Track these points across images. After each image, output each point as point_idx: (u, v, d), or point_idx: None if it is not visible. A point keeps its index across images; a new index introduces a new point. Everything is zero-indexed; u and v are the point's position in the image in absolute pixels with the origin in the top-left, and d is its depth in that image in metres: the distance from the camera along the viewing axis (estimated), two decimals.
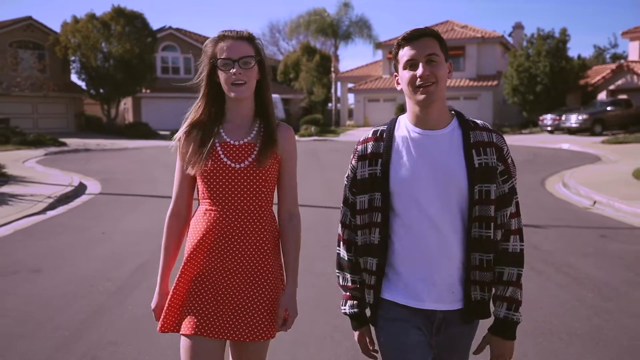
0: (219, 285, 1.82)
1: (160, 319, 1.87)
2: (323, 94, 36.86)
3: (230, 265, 1.82)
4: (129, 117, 35.19)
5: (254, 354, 1.88)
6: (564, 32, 28.44)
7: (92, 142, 24.42)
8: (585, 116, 24.39)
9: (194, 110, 1.87)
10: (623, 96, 27.10)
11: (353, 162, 1.79)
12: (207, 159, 1.81)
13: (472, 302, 1.70)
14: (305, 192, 5.17)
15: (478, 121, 1.76)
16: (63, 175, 12.48)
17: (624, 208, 7.96)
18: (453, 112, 1.76)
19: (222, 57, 1.78)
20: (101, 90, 30.94)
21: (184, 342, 1.82)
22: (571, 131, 24.82)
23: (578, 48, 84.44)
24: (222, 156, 1.82)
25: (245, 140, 1.84)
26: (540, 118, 26.95)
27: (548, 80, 27.42)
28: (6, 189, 10.02)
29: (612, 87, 28.50)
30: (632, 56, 29.94)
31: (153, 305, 1.93)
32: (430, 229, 1.68)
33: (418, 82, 1.65)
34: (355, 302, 1.83)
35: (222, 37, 1.81)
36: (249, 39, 1.82)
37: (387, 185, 1.70)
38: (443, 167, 1.67)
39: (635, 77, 27.30)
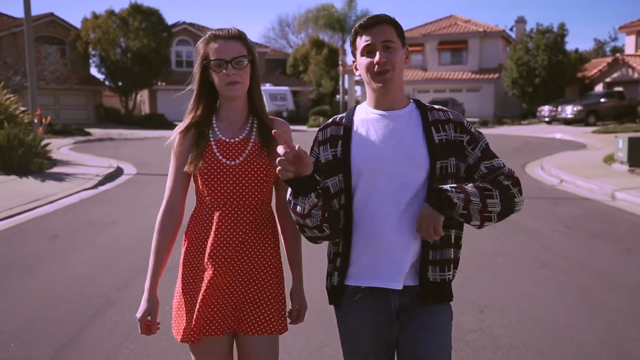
0: (220, 285, 1.78)
1: (184, 329, 1.78)
2: (331, 86, 38.22)
3: (231, 264, 1.79)
4: (145, 109, 36.77)
5: (260, 350, 1.82)
6: (562, 26, 29.61)
7: (113, 132, 25.88)
8: (579, 107, 25.63)
9: (189, 111, 1.86)
10: (619, 88, 28.26)
11: (315, 148, 1.79)
12: (202, 157, 1.80)
13: (430, 282, 1.68)
14: None
15: (436, 105, 1.81)
16: (99, 159, 14.08)
17: (582, 184, 9.46)
18: (411, 99, 1.80)
19: (214, 57, 1.77)
20: (119, 83, 32.51)
21: (193, 349, 1.81)
22: (567, 122, 25.96)
23: (580, 41, 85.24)
24: (217, 154, 1.80)
25: (239, 137, 1.83)
26: (538, 109, 28.14)
27: (546, 73, 28.63)
28: (57, 169, 11.65)
29: (608, 79, 29.61)
30: (629, 50, 31.04)
31: (140, 314, 1.80)
32: (391, 207, 1.67)
33: (376, 68, 1.67)
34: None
35: (213, 37, 1.80)
36: (240, 37, 1.81)
37: (349, 165, 1.70)
38: (403, 145, 1.69)
39: (630, 70, 28.39)
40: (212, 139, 1.82)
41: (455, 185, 1.64)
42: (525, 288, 4.39)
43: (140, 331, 1.80)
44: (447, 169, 1.68)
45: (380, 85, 1.68)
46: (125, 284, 4.49)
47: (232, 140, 1.82)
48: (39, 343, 3.41)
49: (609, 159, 11.98)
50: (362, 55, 1.70)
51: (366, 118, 1.75)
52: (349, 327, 1.75)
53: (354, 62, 1.75)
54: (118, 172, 11.92)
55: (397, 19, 1.72)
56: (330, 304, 1.80)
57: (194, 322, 1.75)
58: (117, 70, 31.90)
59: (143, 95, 37.27)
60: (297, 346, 3.32)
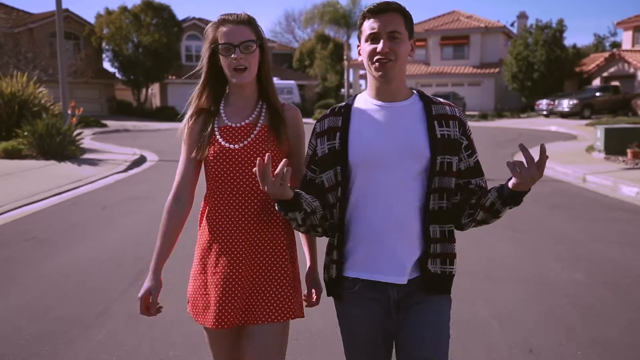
0: (231, 273, 1.77)
1: (215, 316, 1.76)
2: (336, 80, 39.28)
3: (241, 253, 1.77)
4: (156, 102, 37.96)
5: (270, 339, 1.77)
6: (560, 22, 30.49)
7: (128, 124, 26.95)
8: (575, 101, 26.53)
9: (196, 96, 1.84)
10: (615, 83, 29.19)
11: (312, 140, 1.76)
12: (209, 143, 1.79)
13: (431, 274, 1.66)
14: None
15: (439, 98, 1.74)
16: (122, 148, 15.27)
17: (559, 169, 10.61)
18: (414, 90, 1.74)
19: (222, 41, 1.75)
20: (132, 77, 33.73)
21: (209, 334, 1.85)
22: (563, 115, 26.75)
23: (581, 35, 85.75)
24: (219, 139, 1.78)
25: (246, 121, 1.80)
26: (537, 103, 28.95)
27: (544, 67, 29.54)
28: (88, 156, 12.87)
29: (605, 74, 30.44)
30: (626, 45, 31.89)
31: (141, 293, 1.79)
32: (388, 200, 1.64)
33: (377, 57, 1.62)
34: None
35: (222, 22, 1.78)
36: (250, 22, 1.78)
37: (346, 158, 1.67)
38: (403, 138, 1.64)
39: (626, 65, 29.26)
40: (216, 125, 1.81)
41: (492, 190, 1.68)
42: (491, 243, 5.55)
43: (139, 311, 1.80)
44: (448, 166, 1.65)
45: (380, 73, 1.64)
46: None
47: (237, 125, 1.80)
48: (111, 280, 4.60)
49: (590, 148, 13.07)
50: (366, 41, 1.66)
51: (365, 108, 1.71)
52: (347, 318, 1.75)
53: (358, 45, 1.72)
54: (142, 159, 13.12)
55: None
56: (328, 295, 1.80)
57: (209, 309, 1.77)
58: (130, 64, 33.06)
59: (154, 89, 38.42)
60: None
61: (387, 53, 1.62)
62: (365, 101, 1.73)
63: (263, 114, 1.83)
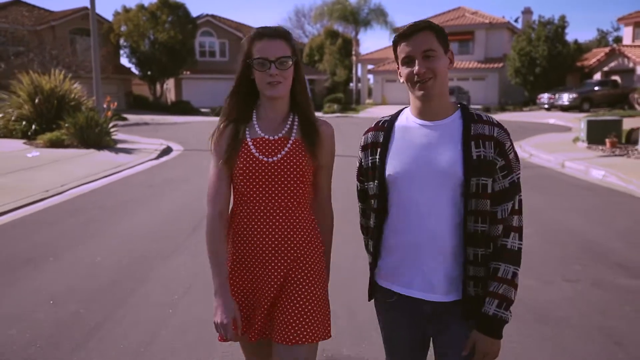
0: (259, 286, 1.78)
1: (241, 328, 1.78)
2: (345, 75, 40.34)
3: (268, 269, 1.77)
4: (171, 96, 39.35)
5: (302, 356, 1.76)
6: (562, 18, 31.40)
7: (146, 117, 28.04)
8: (575, 95, 27.44)
9: (224, 110, 1.84)
10: (615, 77, 30.12)
11: (360, 153, 1.82)
12: (240, 154, 1.77)
13: (469, 297, 1.66)
14: None
15: (483, 115, 1.70)
16: (148, 139, 16.63)
17: (544, 157, 11.89)
18: (459, 104, 1.73)
19: (258, 56, 1.73)
20: (148, 72, 35.17)
21: (242, 345, 1.88)
22: (563, 108, 27.55)
23: (585, 30, 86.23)
24: (253, 150, 1.77)
25: (279, 135, 1.80)
26: (538, 97, 29.79)
27: (546, 62, 30.53)
28: (121, 145, 14.28)
29: (606, 68, 31.24)
30: (626, 40, 32.72)
31: (228, 318, 1.74)
32: (421, 220, 1.66)
33: (415, 78, 1.64)
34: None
35: (258, 35, 1.76)
36: (286, 37, 1.77)
37: (384, 174, 1.71)
38: (438, 158, 1.64)
39: (626, 59, 30.10)
40: (248, 137, 1.80)
41: (492, 294, 1.62)
42: None
43: (226, 337, 1.77)
44: (484, 188, 1.62)
45: (422, 93, 1.65)
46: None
47: (271, 138, 1.80)
48: (175, 231, 5.96)
49: (576, 139, 14.28)
50: (402, 64, 1.68)
51: (406, 126, 1.74)
52: (385, 323, 1.83)
53: (397, 68, 1.73)
54: (168, 148, 14.51)
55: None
56: (369, 300, 1.88)
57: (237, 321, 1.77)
58: (146, 60, 34.41)
59: (169, 84, 39.79)
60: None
61: (424, 73, 1.63)
62: (407, 118, 1.76)
63: (295, 127, 1.83)
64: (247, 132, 1.81)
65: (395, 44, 1.70)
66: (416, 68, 1.63)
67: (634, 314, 3.72)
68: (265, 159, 1.77)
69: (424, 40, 1.63)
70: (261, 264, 1.78)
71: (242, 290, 1.83)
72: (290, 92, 1.82)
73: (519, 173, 1.68)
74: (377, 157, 1.74)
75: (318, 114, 2.22)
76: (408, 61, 1.66)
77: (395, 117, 1.79)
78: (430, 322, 1.73)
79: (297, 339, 1.74)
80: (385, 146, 1.74)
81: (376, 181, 1.74)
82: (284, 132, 1.81)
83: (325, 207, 1.92)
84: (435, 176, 1.65)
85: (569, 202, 7.46)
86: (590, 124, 12.94)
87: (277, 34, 1.77)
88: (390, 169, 1.71)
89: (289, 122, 1.83)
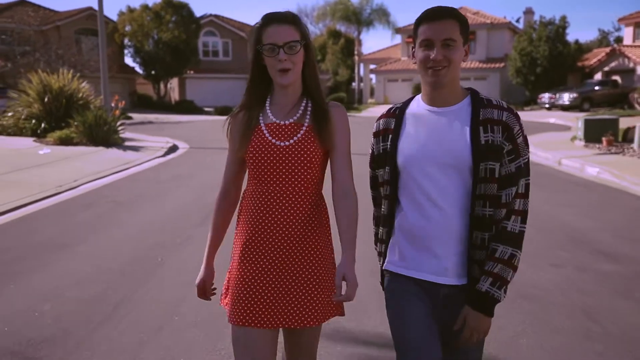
0: (266, 269, 1.81)
1: (231, 310, 1.83)
2: (347, 75, 40.58)
3: (277, 248, 1.80)
4: (175, 96, 39.70)
5: (308, 338, 1.88)
6: (563, 19, 31.60)
7: (150, 116, 28.29)
8: (575, 95, 27.71)
9: (244, 95, 1.90)
10: (616, 77, 30.33)
11: (372, 139, 1.85)
12: (253, 138, 1.81)
13: (475, 280, 1.68)
14: None
15: (494, 99, 1.70)
16: (155, 137, 16.93)
17: (541, 154, 12.17)
18: (469, 90, 1.74)
19: (266, 42, 1.75)
20: (152, 72, 35.51)
21: (235, 333, 1.83)
22: (564, 108, 27.84)
23: (586, 30, 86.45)
24: (267, 135, 1.80)
25: (292, 119, 1.82)
26: (539, 96, 30.06)
27: (547, 62, 30.77)
28: (128, 143, 14.61)
29: (606, 68, 31.41)
30: (627, 40, 32.92)
31: (197, 280, 1.96)
32: (432, 204, 1.68)
33: (430, 64, 1.64)
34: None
35: (266, 22, 1.77)
36: (294, 21, 1.77)
37: (395, 160, 1.73)
38: (447, 144, 1.67)
39: (626, 59, 30.31)
40: (262, 122, 1.83)
41: (487, 272, 1.64)
42: None
43: (197, 294, 1.99)
44: (492, 172, 1.64)
45: (433, 79, 1.66)
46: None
47: (284, 123, 1.82)
48: (185, 222, 6.28)
49: (574, 138, 14.56)
50: (420, 46, 1.67)
51: (417, 112, 1.75)
52: (395, 310, 1.77)
53: (413, 48, 1.72)
54: (174, 146, 14.82)
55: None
56: (381, 284, 1.88)
57: (241, 306, 1.80)
58: (150, 59, 34.75)
59: (173, 83, 40.15)
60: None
61: (440, 61, 1.63)
62: (418, 105, 1.77)
63: (308, 112, 1.84)
64: (260, 118, 1.85)
65: (417, 24, 1.69)
66: (434, 54, 1.63)
67: (611, 294, 4.02)
68: (278, 142, 1.80)
69: (447, 28, 1.63)
70: (276, 246, 1.81)
71: (250, 275, 1.83)
72: (302, 75, 1.84)
73: (527, 157, 1.69)
74: (389, 143, 1.77)
75: None
76: (427, 44, 1.65)
77: (406, 104, 1.82)
78: (446, 307, 1.73)
79: (305, 322, 1.79)
80: (396, 132, 1.76)
81: (387, 167, 1.77)
82: (296, 117, 1.84)
83: (347, 188, 1.83)
84: (445, 162, 1.67)
85: (564, 198, 7.76)
86: (588, 123, 13.22)
87: (285, 19, 1.78)
88: (401, 154, 1.74)
89: (302, 108, 1.85)
